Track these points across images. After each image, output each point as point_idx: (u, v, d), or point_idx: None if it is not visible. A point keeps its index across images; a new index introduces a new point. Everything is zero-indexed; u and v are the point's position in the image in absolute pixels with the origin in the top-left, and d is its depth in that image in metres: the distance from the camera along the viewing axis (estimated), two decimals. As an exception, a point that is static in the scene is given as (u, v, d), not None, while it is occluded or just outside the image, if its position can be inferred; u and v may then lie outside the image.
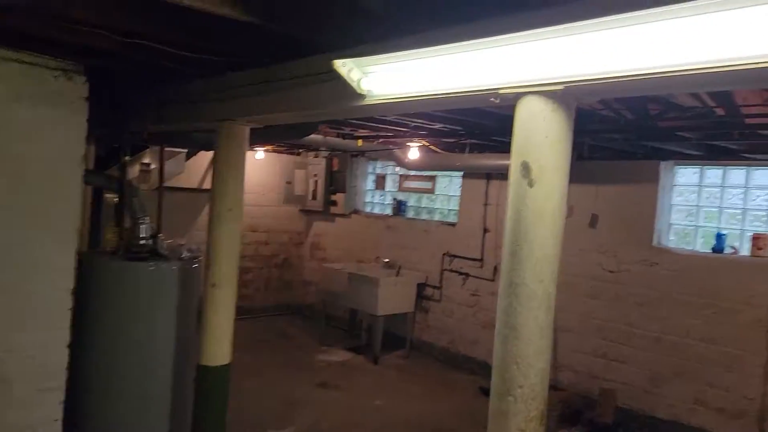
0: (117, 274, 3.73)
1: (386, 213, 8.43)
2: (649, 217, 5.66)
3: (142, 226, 3.82)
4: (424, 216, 8.09)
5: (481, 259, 6.96)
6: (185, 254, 3.92)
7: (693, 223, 5.67)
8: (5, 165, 3.08)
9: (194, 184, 7.51)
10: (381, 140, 6.77)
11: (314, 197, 8.71)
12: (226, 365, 3.66)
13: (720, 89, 3.09)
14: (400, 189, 8.35)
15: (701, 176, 5.63)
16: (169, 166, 5.82)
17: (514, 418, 2.05)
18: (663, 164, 5.64)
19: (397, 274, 7.46)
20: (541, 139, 2.08)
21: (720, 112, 3.64)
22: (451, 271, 7.30)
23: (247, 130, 3.59)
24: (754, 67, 1.58)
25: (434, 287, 7.46)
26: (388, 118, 4.97)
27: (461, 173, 7.29)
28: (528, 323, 2.07)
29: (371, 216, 8.54)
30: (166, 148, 5.29)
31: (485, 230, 6.92)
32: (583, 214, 6.05)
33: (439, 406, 5.89)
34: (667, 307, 5.43)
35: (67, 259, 3.28)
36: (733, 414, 5.01)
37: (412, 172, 7.98)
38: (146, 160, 6.15)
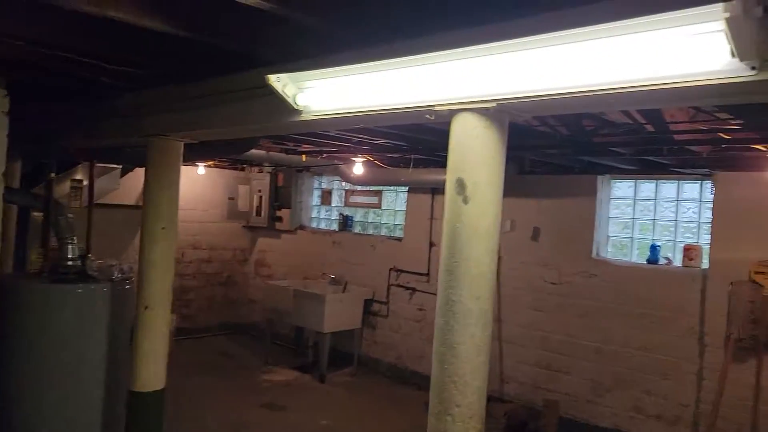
0: (41, 297, 3.54)
1: (332, 228, 8.36)
2: (588, 229, 5.80)
3: (69, 247, 3.64)
4: (371, 231, 8.05)
5: (427, 274, 6.97)
6: (117, 275, 3.75)
7: (629, 235, 5.85)
8: None
9: (131, 201, 7.23)
10: (325, 155, 6.71)
11: (259, 213, 8.55)
12: (160, 390, 3.50)
13: (646, 107, 3.20)
14: (347, 204, 8.30)
15: (636, 190, 5.83)
16: (102, 182, 5.59)
17: (452, 439, 2.02)
18: (600, 178, 5.81)
19: (344, 290, 7.38)
20: (475, 155, 2.09)
21: (650, 128, 3.78)
22: (398, 286, 7.28)
23: (180, 146, 3.47)
24: (676, 86, 1.62)
25: (381, 303, 7.42)
26: (330, 134, 4.92)
27: (407, 188, 7.31)
28: (465, 341, 2.05)
29: (317, 232, 8.45)
30: (100, 164, 5.08)
31: (431, 244, 6.95)
32: (525, 227, 6.15)
33: (387, 424, 5.82)
34: (606, 317, 5.57)
35: (-16, 282, 3.07)
36: (669, 420, 5.16)
37: (359, 187, 7.95)
38: (78, 177, 5.87)
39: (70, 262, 3.63)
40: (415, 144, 5.20)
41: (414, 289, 7.10)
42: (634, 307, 5.40)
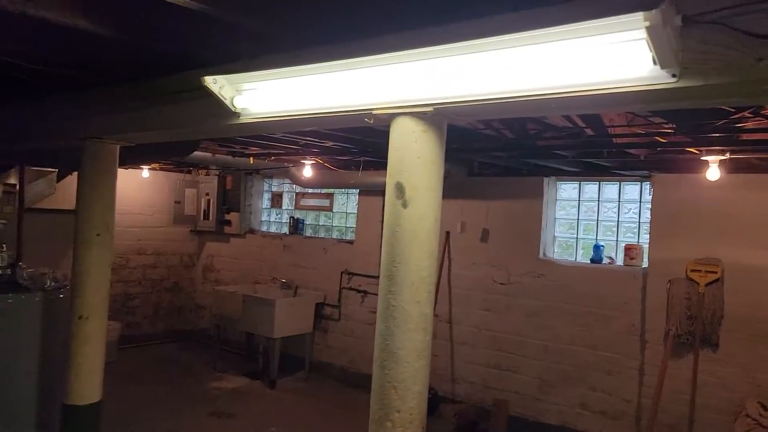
0: (-34, 308, 3.33)
1: (283, 232, 8.25)
2: (536, 230, 5.91)
3: (-2, 255, 3.45)
4: (323, 234, 7.99)
5: (379, 276, 6.94)
6: (50, 284, 3.58)
7: (574, 236, 5.99)
8: None
9: (69, 206, 6.93)
10: (273, 158, 6.61)
11: (206, 217, 8.35)
12: (95, 403, 3.35)
13: (577, 112, 3.27)
14: (297, 207, 8.20)
15: (580, 191, 5.98)
16: (37, 186, 5.34)
17: (392, 445, 2.01)
18: (546, 180, 5.92)
19: (295, 294, 7.29)
20: (413, 159, 2.08)
21: (590, 132, 3.87)
22: (350, 289, 7.24)
23: (116, 149, 3.35)
24: (604, 92, 1.65)
25: (333, 306, 7.36)
26: (277, 136, 4.85)
27: (358, 191, 7.28)
28: (405, 346, 2.04)
29: (267, 235, 8.32)
30: (34, 168, 4.85)
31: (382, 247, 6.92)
32: (475, 228, 6.22)
33: (337, 429, 5.77)
34: (553, 316, 5.68)
35: None
36: (613, 416, 5.31)
37: (309, 190, 7.87)
38: (11, 181, 5.59)
39: (-1, 271, 3.45)
40: (363, 146, 5.18)
41: (366, 292, 7.07)
42: (579, 305, 5.53)
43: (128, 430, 4.94)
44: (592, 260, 5.62)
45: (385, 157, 2.15)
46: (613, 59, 1.62)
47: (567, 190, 6.07)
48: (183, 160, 7.09)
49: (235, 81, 2.44)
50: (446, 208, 7.14)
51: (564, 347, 5.61)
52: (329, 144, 5.17)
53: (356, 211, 7.39)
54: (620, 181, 5.66)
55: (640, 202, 5.56)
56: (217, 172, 8.22)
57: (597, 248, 5.62)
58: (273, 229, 8.54)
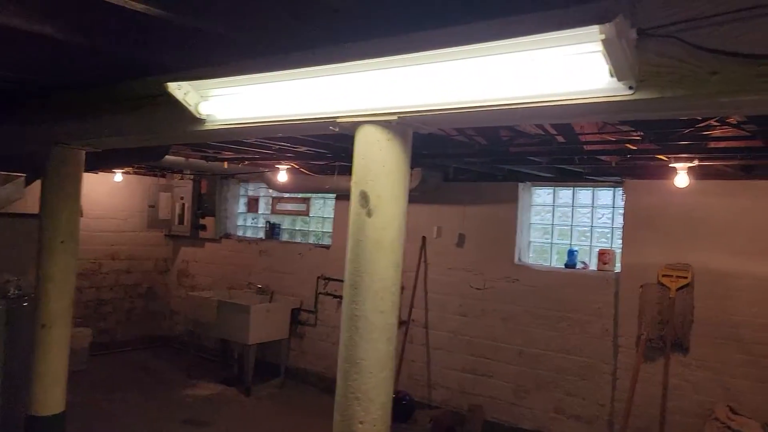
0: (-75, 318, 3.24)
1: (259, 237, 8.18)
2: (511, 235, 5.94)
3: (-42, 262, 3.36)
4: (299, 239, 7.94)
5: (355, 281, 6.92)
6: (13, 291, 3.50)
7: (549, 241, 6.03)
8: None
9: (38, 210, 6.80)
10: (247, 163, 6.56)
11: (181, 221, 8.24)
12: (59, 414, 3.28)
13: (538, 122, 3.31)
14: (274, 212, 8.14)
15: (554, 197, 6.02)
16: (5, 191, 5.22)
17: (356, 457, 1.99)
18: (521, 185, 5.96)
19: (271, 299, 7.23)
20: (378, 168, 2.07)
21: (561, 139, 3.90)
22: (326, 294, 7.20)
23: (82, 154, 3.28)
24: (564, 103, 1.66)
25: (309, 312, 7.31)
26: (249, 141, 4.80)
27: (335, 195, 7.25)
28: (368, 356, 2.03)
29: (243, 240, 8.25)
30: (1, 172, 4.74)
31: (358, 252, 6.90)
32: (451, 233, 6.23)
33: (312, 435, 5.73)
34: (528, 321, 5.71)
35: None
36: (588, 419, 5.34)
37: (286, 195, 7.81)
38: (-22, 185, 5.46)
39: (-41, 279, 3.36)
40: (337, 152, 5.16)
41: (342, 298, 7.03)
42: (553, 310, 5.56)
43: (97, 440, 4.85)
44: (566, 265, 5.66)
45: (360, 163, 2.14)
46: (574, 71, 1.62)
47: (542, 195, 6.11)
48: (156, 165, 6.99)
49: (200, 87, 2.41)
50: (422, 213, 7.13)
51: (539, 352, 5.64)
52: (303, 149, 5.13)
53: (333, 216, 7.35)
54: (594, 187, 5.71)
55: (614, 207, 5.62)
56: (192, 177, 8.12)
57: (571, 253, 5.66)
58: (249, 233, 8.47)
